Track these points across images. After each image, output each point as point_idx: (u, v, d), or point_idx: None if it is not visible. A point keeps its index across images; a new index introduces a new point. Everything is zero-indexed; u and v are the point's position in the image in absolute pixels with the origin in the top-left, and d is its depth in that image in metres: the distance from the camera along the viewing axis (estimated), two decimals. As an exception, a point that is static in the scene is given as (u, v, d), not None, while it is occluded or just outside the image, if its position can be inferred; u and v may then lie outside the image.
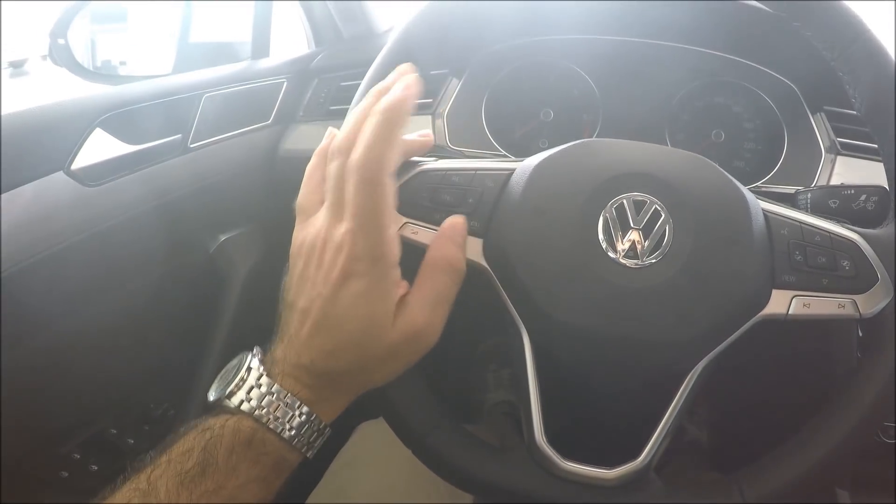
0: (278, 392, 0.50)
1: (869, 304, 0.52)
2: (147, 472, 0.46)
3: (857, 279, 0.53)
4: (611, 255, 0.52)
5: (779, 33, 0.81)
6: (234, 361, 0.53)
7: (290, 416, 0.50)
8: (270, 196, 0.92)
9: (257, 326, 0.88)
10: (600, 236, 0.53)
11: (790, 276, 0.53)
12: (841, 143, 0.82)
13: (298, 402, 0.50)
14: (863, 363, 0.55)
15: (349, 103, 0.64)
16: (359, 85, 0.64)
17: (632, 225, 0.53)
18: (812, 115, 0.84)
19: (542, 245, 0.53)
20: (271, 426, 0.49)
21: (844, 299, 0.53)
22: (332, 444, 0.80)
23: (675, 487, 0.57)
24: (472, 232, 0.56)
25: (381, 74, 0.60)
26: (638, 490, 0.55)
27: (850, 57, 0.58)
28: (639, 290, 0.52)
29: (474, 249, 0.56)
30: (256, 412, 0.49)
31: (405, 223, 0.57)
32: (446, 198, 0.57)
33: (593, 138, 0.59)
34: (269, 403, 0.49)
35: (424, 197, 0.57)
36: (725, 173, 0.56)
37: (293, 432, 0.50)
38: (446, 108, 0.86)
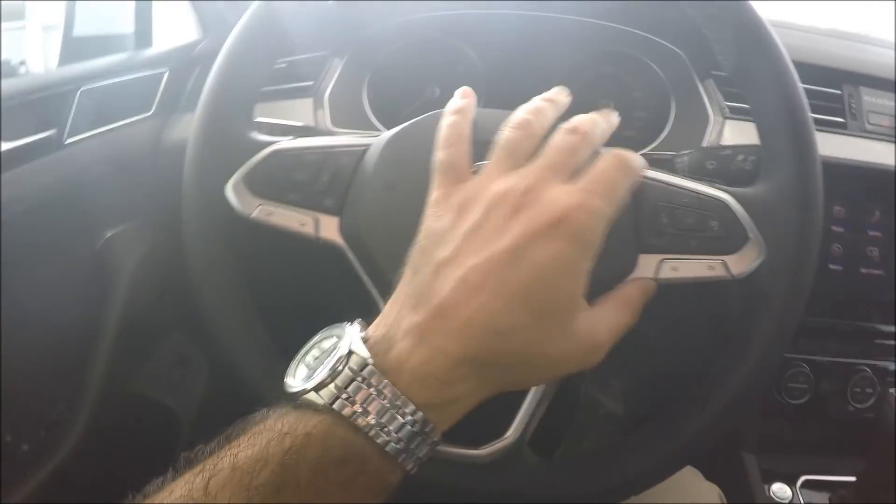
0: (390, 392, 0.39)
1: (740, 264, 0.50)
2: (205, 476, 0.36)
3: (726, 239, 0.51)
4: None
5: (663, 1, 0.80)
6: (319, 337, 0.44)
7: (397, 423, 0.39)
8: (156, 188, 0.89)
9: (148, 320, 0.86)
10: None
11: (656, 239, 0.51)
12: (730, 108, 0.82)
13: (412, 407, 0.39)
14: (737, 328, 0.54)
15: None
16: None
17: None
18: (700, 81, 0.83)
19: (393, 221, 0.52)
20: (377, 438, 0.38)
21: (714, 260, 0.51)
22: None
23: (552, 464, 0.55)
24: (327, 210, 0.54)
25: (233, 56, 0.59)
26: (510, 469, 0.54)
27: (714, 15, 0.57)
28: None
29: (330, 227, 0.54)
30: (359, 418, 0.38)
31: (259, 205, 0.55)
32: (300, 177, 0.55)
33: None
34: (376, 406, 0.38)
35: (278, 177, 0.56)
36: None
37: (401, 445, 0.39)
38: (328, 89, 0.84)
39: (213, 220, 0.57)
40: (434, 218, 0.46)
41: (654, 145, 0.81)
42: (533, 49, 0.85)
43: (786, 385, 0.85)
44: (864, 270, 0.84)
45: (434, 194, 0.47)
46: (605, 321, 0.46)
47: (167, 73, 0.90)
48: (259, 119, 0.77)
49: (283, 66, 0.84)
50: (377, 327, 0.43)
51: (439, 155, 0.49)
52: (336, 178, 0.54)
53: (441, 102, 0.86)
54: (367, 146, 0.56)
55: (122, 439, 0.94)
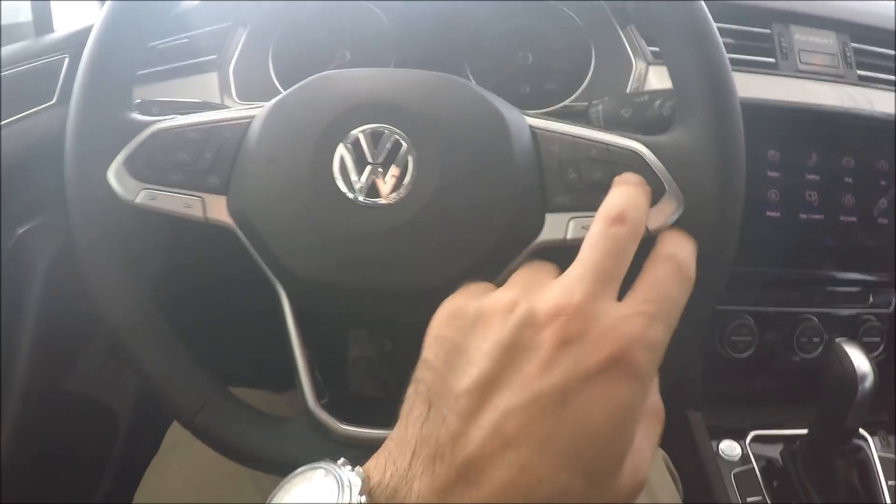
0: None
1: (658, 218, 0.46)
2: None
3: None
4: (349, 196, 0.47)
5: None
6: (300, 474, 0.37)
7: None
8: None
9: (70, 316, 0.82)
10: (337, 177, 0.48)
11: (563, 196, 0.47)
12: (654, 52, 0.78)
13: None
14: None
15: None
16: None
17: (369, 160, 0.48)
18: (621, 26, 0.79)
19: (277, 195, 0.48)
20: None
21: None
22: (149, 446, 0.76)
23: None
24: (212, 189, 0.51)
25: (105, 35, 0.54)
26: None
27: None
28: (383, 232, 0.46)
29: (218, 207, 0.51)
30: None
31: (142, 189, 0.52)
32: (182, 156, 0.52)
33: (332, 71, 0.53)
34: None
35: (160, 158, 0.52)
36: (480, 91, 0.50)
37: None
38: (232, 61, 0.80)
39: (98, 208, 0.53)
40: (464, 336, 0.38)
41: (574, 96, 0.78)
42: (441, 4, 0.81)
43: (729, 339, 0.82)
44: (803, 216, 0.81)
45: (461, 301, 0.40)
46: (643, 454, 0.37)
47: (67, 59, 0.86)
48: (159, 98, 0.74)
49: (185, 40, 0.80)
50: (383, 470, 0.35)
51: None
52: (220, 155, 0.51)
53: (352, 65, 0.83)
54: (252, 118, 0.52)
55: (57, 438, 0.91)
